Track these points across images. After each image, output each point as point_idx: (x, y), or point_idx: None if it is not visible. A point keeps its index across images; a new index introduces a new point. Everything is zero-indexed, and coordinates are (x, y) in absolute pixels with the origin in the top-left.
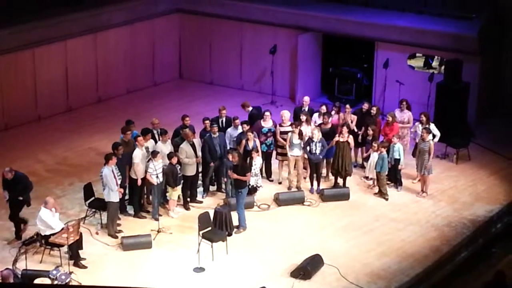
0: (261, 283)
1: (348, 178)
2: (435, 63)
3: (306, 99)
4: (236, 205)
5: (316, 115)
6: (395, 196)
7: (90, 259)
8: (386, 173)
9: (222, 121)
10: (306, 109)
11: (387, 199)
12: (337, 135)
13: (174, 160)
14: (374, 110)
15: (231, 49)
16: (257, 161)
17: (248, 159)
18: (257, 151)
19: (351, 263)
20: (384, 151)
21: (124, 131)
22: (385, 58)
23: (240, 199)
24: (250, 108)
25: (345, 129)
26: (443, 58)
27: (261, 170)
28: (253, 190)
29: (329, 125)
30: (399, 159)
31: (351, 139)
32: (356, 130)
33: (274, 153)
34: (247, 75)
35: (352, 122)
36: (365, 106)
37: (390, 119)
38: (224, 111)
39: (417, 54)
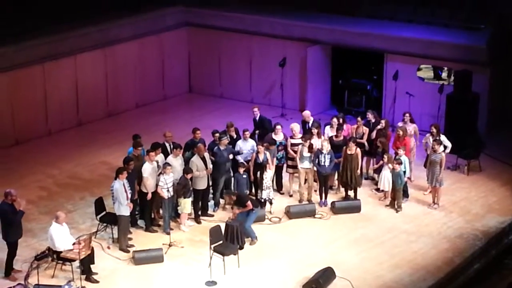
0: None
1: (359, 191)
2: (444, 74)
3: (306, 113)
4: (246, 221)
5: (328, 127)
6: (406, 208)
7: (102, 273)
8: (403, 184)
9: (231, 136)
10: (311, 122)
11: (397, 212)
12: (344, 147)
13: (190, 176)
14: (383, 123)
15: (240, 62)
16: (268, 174)
17: (259, 173)
18: (287, 159)
19: (363, 276)
20: (398, 168)
21: (136, 146)
22: (394, 69)
23: (252, 215)
24: (257, 113)
25: (351, 143)
26: (451, 69)
27: (256, 187)
28: (264, 203)
29: (341, 138)
30: (405, 172)
31: (359, 152)
32: (366, 143)
33: (285, 166)
34: (256, 88)
35: (364, 134)
36: (369, 116)
37: (401, 133)
38: (232, 128)
39: (424, 66)
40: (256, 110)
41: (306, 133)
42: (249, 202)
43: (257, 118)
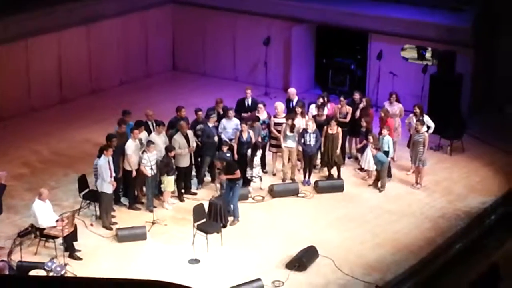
0: (256, 275)
1: (342, 170)
2: (428, 55)
3: (291, 91)
4: (233, 196)
5: (313, 106)
6: (389, 188)
7: (85, 250)
8: (387, 165)
9: (218, 112)
10: (295, 101)
11: (381, 191)
12: (325, 127)
13: (172, 153)
14: (364, 102)
15: (224, 40)
16: (258, 152)
17: (250, 150)
18: (271, 138)
19: (346, 255)
20: (375, 152)
21: (121, 123)
22: (378, 49)
23: (236, 190)
24: (250, 95)
25: (333, 122)
26: (435, 49)
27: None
28: (249, 181)
29: (324, 117)
30: (388, 151)
31: (340, 131)
32: (347, 121)
33: (268, 145)
34: (240, 66)
35: (348, 113)
36: (356, 96)
37: (383, 114)
38: (221, 105)
39: (409, 46)
40: (249, 92)
41: (290, 111)
42: (238, 171)
43: (249, 101)
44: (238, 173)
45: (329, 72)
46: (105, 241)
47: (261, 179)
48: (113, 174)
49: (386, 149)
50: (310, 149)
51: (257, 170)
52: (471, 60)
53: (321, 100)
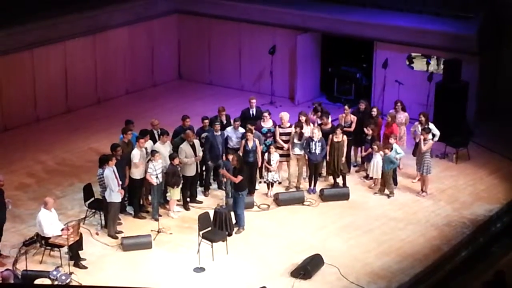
0: (261, 283)
1: (347, 178)
2: (433, 63)
3: (252, 100)
4: (236, 207)
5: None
6: (395, 195)
7: (90, 259)
8: (394, 168)
9: (222, 121)
10: (254, 110)
11: (389, 197)
12: (331, 135)
13: (176, 161)
14: (375, 111)
15: (230, 49)
16: (274, 157)
17: (267, 154)
18: (276, 147)
19: (351, 263)
20: (389, 152)
21: (125, 131)
22: (384, 58)
23: (240, 201)
24: (254, 104)
25: (339, 130)
26: (439, 57)
27: (260, 169)
28: (272, 185)
29: (329, 126)
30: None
31: (345, 139)
32: (351, 130)
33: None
34: (246, 75)
35: (352, 122)
36: (362, 105)
37: (390, 119)
38: (224, 113)
39: (415, 54)
40: (254, 102)
41: (251, 119)
42: (239, 177)
43: (254, 111)
44: (238, 179)
45: (335, 80)
46: (111, 250)
47: (272, 185)
48: (120, 182)
49: (393, 155)
50: (315, 157)
51: (272, 175)
52: (477, 68)
53: (311, 114)
